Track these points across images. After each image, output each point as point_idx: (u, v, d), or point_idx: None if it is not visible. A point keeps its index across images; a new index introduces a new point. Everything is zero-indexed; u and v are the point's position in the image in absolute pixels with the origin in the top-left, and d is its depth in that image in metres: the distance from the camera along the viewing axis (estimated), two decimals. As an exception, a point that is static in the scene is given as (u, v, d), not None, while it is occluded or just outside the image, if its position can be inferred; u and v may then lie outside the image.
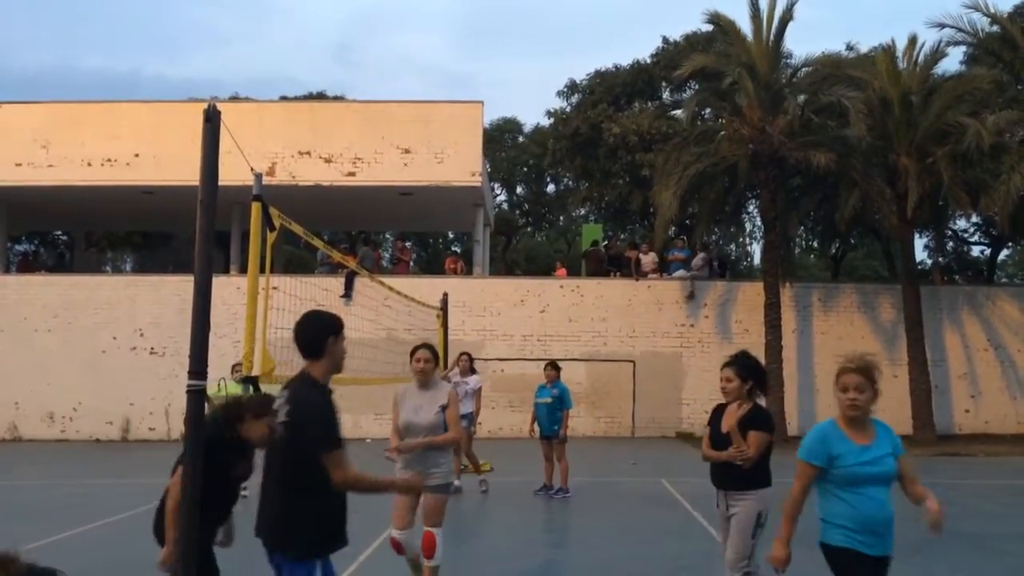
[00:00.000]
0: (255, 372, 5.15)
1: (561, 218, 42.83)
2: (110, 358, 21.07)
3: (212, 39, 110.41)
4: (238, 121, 15.40)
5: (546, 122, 34.32)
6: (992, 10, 19.65)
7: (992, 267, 30.59)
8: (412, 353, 6.22)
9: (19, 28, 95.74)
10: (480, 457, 12.49)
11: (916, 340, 19.69)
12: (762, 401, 5.49)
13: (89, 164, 21.44)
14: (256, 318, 5.17)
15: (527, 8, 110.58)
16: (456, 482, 11.43)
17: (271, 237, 5.36)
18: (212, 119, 4.50)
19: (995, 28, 20.10)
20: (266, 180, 6.35)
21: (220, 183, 4.60)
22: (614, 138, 25.80)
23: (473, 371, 12.37)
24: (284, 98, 32.08)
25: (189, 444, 4.41)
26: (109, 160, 21.47)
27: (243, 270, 15.51)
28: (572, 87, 31.16)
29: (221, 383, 11.41)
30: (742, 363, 5.38)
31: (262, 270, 5.31)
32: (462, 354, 12.46)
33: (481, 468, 12.39)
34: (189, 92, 78.77)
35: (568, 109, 30.66)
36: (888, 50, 20.69)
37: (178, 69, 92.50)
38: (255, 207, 5.12)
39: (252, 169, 5.17)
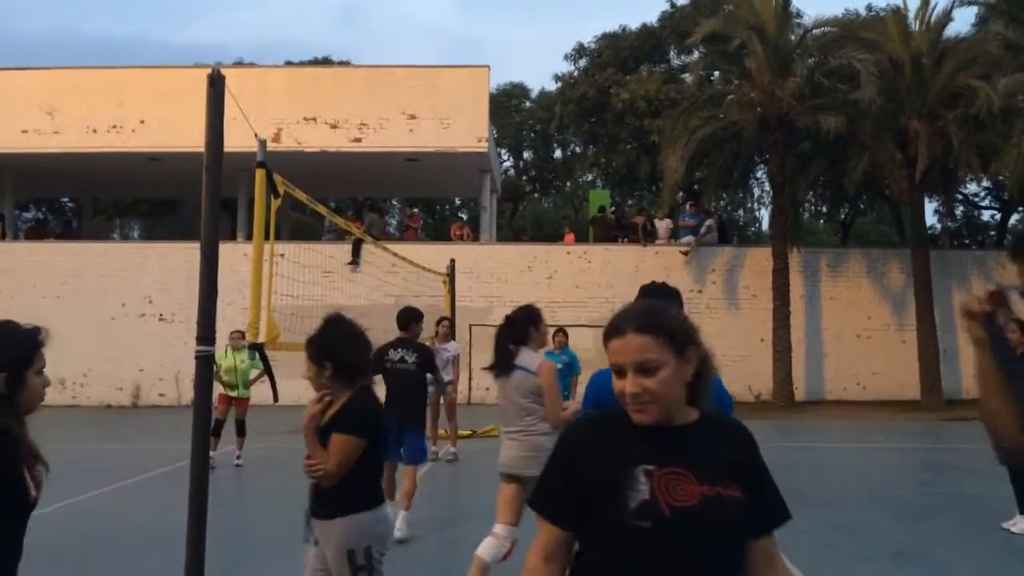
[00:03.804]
0: (260, 339, 5.15)
1: (568, 184, 42.63)
2: (119, 325, 21.17)
3: (216, 4, 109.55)
4: (243, 87, 15.28)
5: (553, 87, 34.09)
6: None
7: (1002, 231, 30.43)
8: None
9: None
10: (487, 423, 12.54)
11: (925, 305, 19.64)
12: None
13: (95, 131, 21.40)
14: (261, 284, 5.17)
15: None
16: (452, 449, 11.59)
17: (275, 204, 5.34)
18: (216, 84, 4.48)
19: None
20: (272, 146, 6.30)
21: (226, 149, 4.59)
22: (622, 104, 25.60)
23: (452, 338, 12.13)
24: (289, 63, 31.88)
25: (198, 409, 4.45)
26: (115, 127, 21.43)
27: (250, 237, 15.52)
28: (580, 51, 30.89)
29: (228, 350, 11.46)
30: (316, 341, 3.70)
31: (267, 237, 5.31)
32: (442, 319, 11.93)
33: (488, 432, 12.47)
34: (194, 58, 78.20)
35: (576, 73, 30.39)
36: (899, 11, 20.42)
37: (182, 35, 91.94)
38: (259, 174, 5.10)
39: (256, 135, 5.14)
